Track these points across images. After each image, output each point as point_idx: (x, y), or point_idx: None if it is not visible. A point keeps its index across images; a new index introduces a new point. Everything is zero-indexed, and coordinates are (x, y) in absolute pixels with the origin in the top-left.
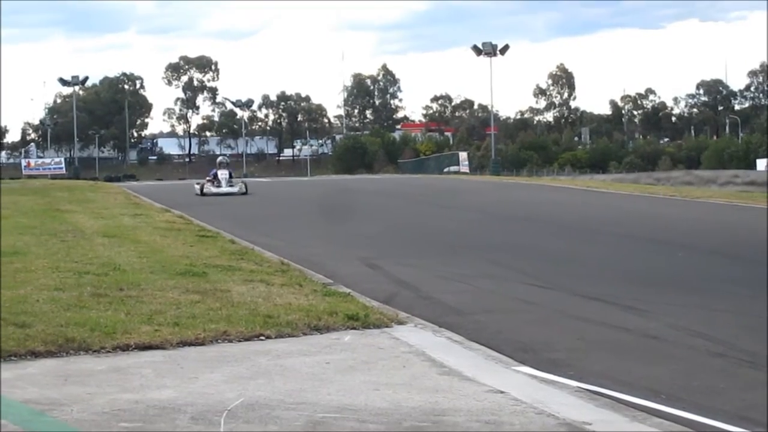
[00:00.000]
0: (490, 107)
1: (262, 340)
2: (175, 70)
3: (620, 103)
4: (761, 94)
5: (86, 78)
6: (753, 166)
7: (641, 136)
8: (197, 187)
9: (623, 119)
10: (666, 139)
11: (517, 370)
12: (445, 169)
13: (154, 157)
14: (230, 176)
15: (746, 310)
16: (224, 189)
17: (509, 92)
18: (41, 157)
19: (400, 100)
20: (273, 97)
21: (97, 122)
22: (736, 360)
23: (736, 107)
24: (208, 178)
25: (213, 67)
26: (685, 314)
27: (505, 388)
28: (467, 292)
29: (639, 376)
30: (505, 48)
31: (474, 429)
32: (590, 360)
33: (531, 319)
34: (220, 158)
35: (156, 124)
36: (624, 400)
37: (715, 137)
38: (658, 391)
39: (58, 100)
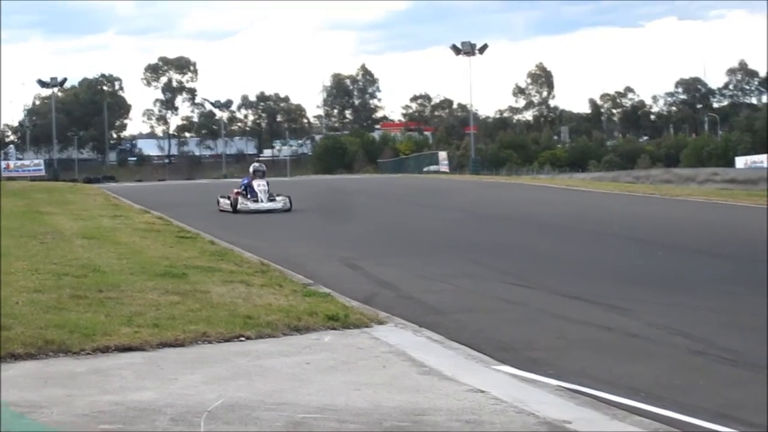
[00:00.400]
0: (469, 106)
1: (242, 341)
2: (154, 71)
3: (599, 102)
4: (739, 92)
5: (65, 79)
6: (732, 164)
7: (620, 135)
8: (224, 202)
9: (602, 118)
10: (645, 138)
11: (498, 369)
12: (425, 169)
13: (134, 159)
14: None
15: (727, 308)
16: (265, 205)
17: (489, 91)
18: (20, 159)
19: (380, 100)
20: (252, 98)
21: (76, 124)
22: (716, 358)
23: (715, 105)
24: (237, 190)
25: (192, 68)
26: (666, 312)
27: (486, 387)
28: (448, 292)
29: (619, 375)
30: (484, 47)
31: (454, 428)
32: (570, 359)
33: (511, 318)
34: (255, 165)
35: (135, 125)
36: (604, 398)
37: (694, 135)
38: (638, 389)
39: (37, 102)
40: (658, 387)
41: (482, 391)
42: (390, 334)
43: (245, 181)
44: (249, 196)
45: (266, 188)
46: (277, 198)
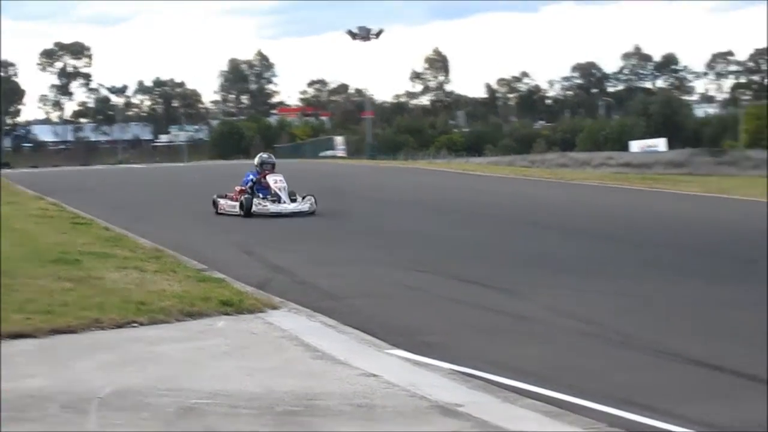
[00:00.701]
0: (365, 91)
1: (135, 327)
2: (49, 56)
3: (496, 86)
4: (634, 77)
5: None
6: (626, 148)
7: (516, 119)
8: (227, 203)
9: (498, 103)
10: (541, 122)
11: (391, 353)
12: (321, 154)
13: (29, 145)
14: None
15: (620, 291)
16: (289, 206)
17: (386, 76)
18: None
19: (276, 85)
20: (148, 83)
21: None
22: (608, 340)
23: (611, 89)
24: (240, 187)
25: (87, 53)
26: (560, 296)
27: (378, 371)
28: (343, 277)
29: (512, 358)
30: (380, 32)
31: (346, 412)
32: (464, 342)
33: (406, 303)
34: (263, 156)
35: (30, 110)
36: (496, 381)
37: (590, 120)
38: (530, 372)
39: None
40: (550, 370)
41: (375, 375)
42: (284, 320)
43: (250, 177)
44: (261, 195)
45: (286, 185)
46: (299, 198)
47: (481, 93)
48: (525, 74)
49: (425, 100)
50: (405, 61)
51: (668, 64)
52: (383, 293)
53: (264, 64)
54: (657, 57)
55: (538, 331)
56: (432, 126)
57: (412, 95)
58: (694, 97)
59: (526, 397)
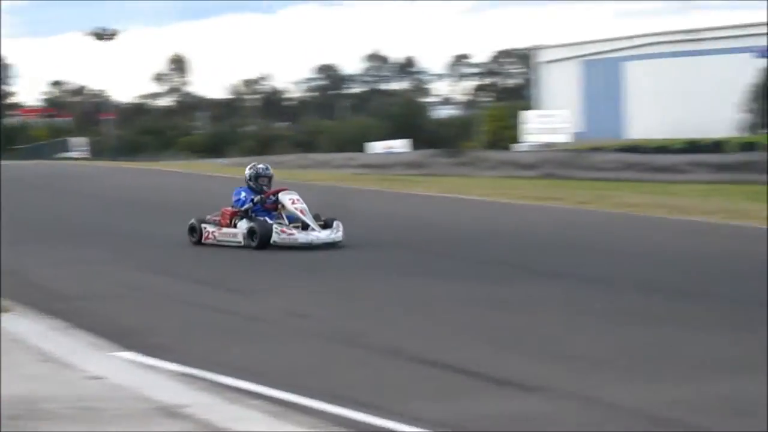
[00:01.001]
0: (104, 92)
1: None
2: None
3: (238, 88)
4: (376, 78)
5: None
6: (364, 149)
7: (258, 121)
8: (222, 232)
9: (240, 104)
10: (283, 123)
11: (119, 355)
12: (60, 155)
13: None
14: None
15: (353, 290)
16: (321, 235)
17: (127, 77)
18: None
19: (14, 86)
20: None
21: None
22: (337, 340)
23: (352, 91)
24: (231, 209)
25: None
26: (294, 296)
27: (105, 373)
28: (74, 278)
29: (240, 359)
30: (118, 32)
31: (68, 416)
32: (193, 344)
33: (138, 304)
34: (259, 167)
35: None
36: (223, 382)
37: (330, 121)
38: (258, 372)
39: None
40: (278, 370)
41: (101, 378)
42: (10, 323)
43: (244, 196)
44: (270, 219)
45: (305, 206)
46: (332, 226)
47: (223, 95)
48: (266, 76)
49: (167, 102)
50: (147, 62)
51: (408, 66)
52: (114, 294)
53: (2, 64)
54: (397, 59)
55: (269, 331)
56: (174, 127)
57: (154, 96)
58: (434, 99)
59: (253, 398)
